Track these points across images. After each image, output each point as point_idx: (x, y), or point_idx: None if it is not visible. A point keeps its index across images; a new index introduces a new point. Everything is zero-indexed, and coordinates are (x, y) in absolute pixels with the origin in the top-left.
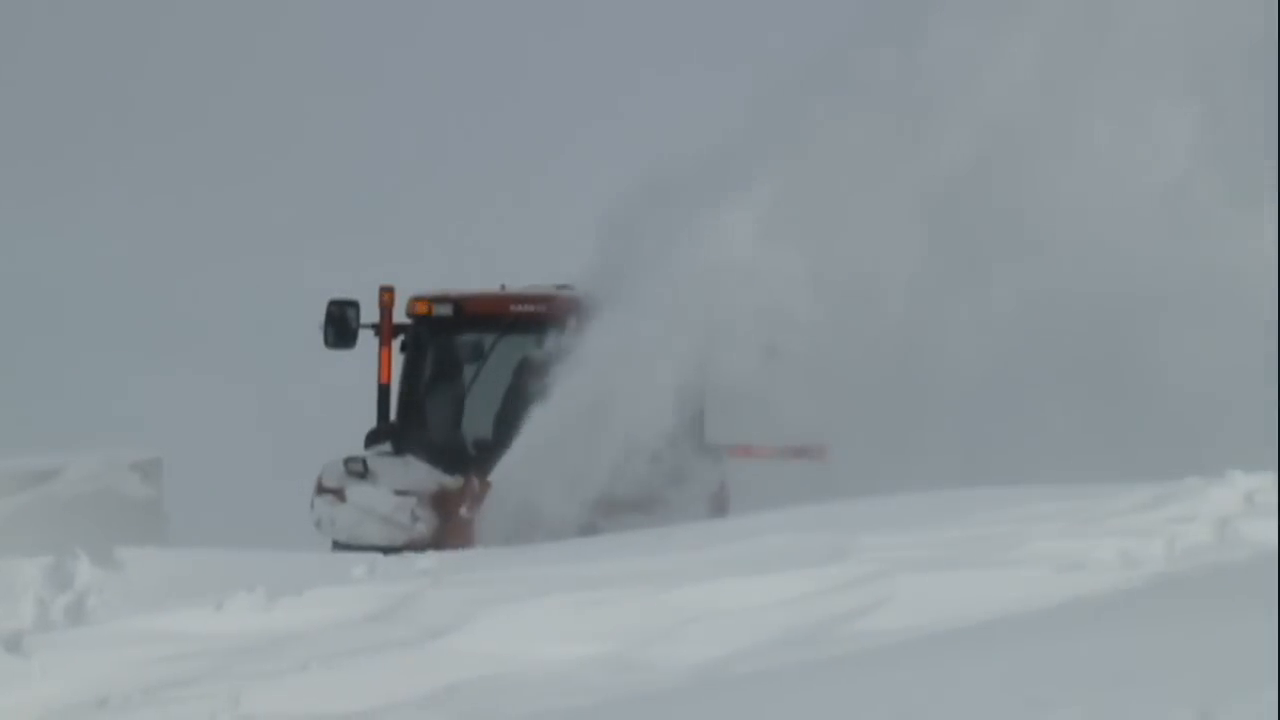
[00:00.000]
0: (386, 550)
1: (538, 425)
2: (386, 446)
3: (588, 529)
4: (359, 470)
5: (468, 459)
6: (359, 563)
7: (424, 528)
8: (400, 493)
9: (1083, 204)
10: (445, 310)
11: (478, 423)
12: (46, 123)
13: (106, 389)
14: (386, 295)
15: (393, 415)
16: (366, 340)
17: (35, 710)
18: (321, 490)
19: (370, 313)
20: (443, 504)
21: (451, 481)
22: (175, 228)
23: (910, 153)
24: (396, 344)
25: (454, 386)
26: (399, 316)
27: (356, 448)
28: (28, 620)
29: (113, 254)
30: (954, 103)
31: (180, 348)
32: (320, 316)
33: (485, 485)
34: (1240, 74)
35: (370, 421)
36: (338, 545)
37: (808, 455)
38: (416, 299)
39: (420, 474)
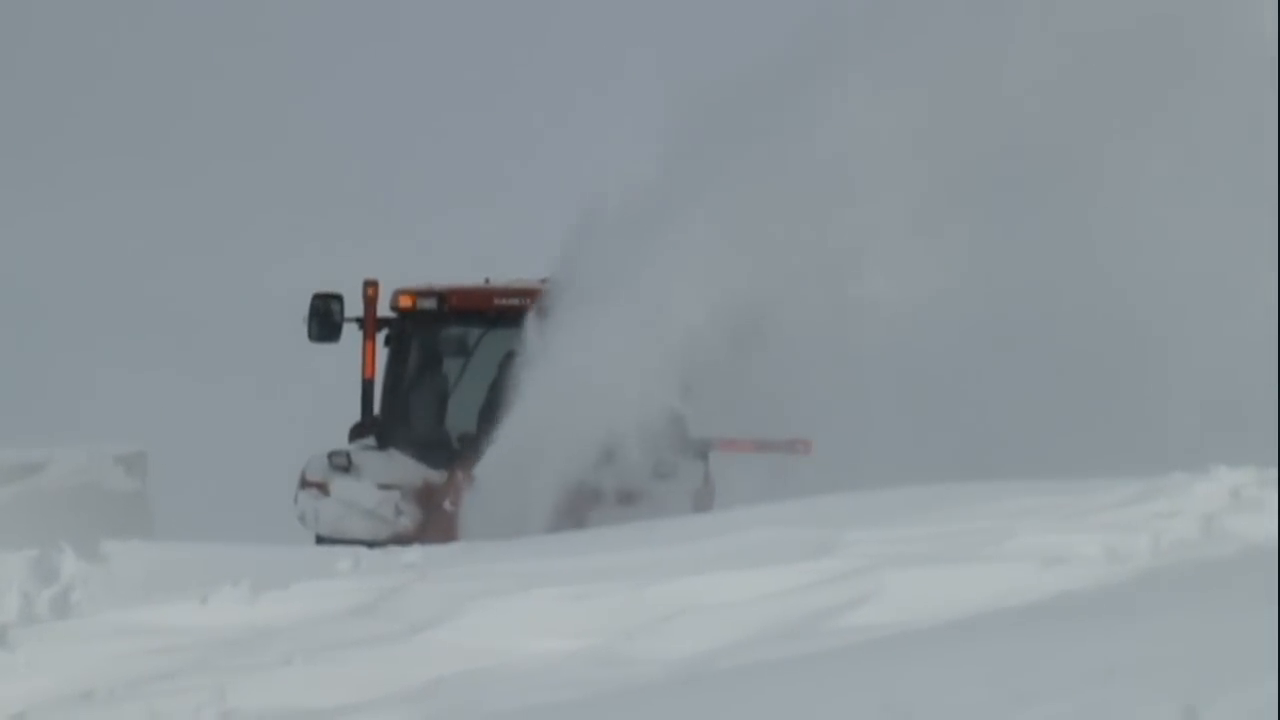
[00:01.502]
0: (370, 544)
1: (521, 419)
2: (370, 440)
3: (572, 523)
4: (343, 464)
5: (451, 453)
6: (343, 556)
7: (408, 522)
8: (384, 487)
9: (1079, 204)
10: (429, 304)
11: (461, 416)
12: (24, 116)
13: (90, 383)
14: (371, 289)
15: (376, 409)
16: (351, 334)
17: (20, 704)
18: (305, 484)
19: (354, 306)
20: (426, 498)
21: (435, 475)
22: (158, 222)
23: (894, 135)
24: (381, 338)
25: (438, 380)
26: (383, 310)
27: (340, 442)
28: (12, 614)
29: (96, 247)
30: (944, 86)
31: (165, 341)
32: (304, 310)
33: (469, 479)
34: None
35: (354, 415)
36: (321, 539)
37: (792, 450)
38: (401, 292)
39: (404, 468)
